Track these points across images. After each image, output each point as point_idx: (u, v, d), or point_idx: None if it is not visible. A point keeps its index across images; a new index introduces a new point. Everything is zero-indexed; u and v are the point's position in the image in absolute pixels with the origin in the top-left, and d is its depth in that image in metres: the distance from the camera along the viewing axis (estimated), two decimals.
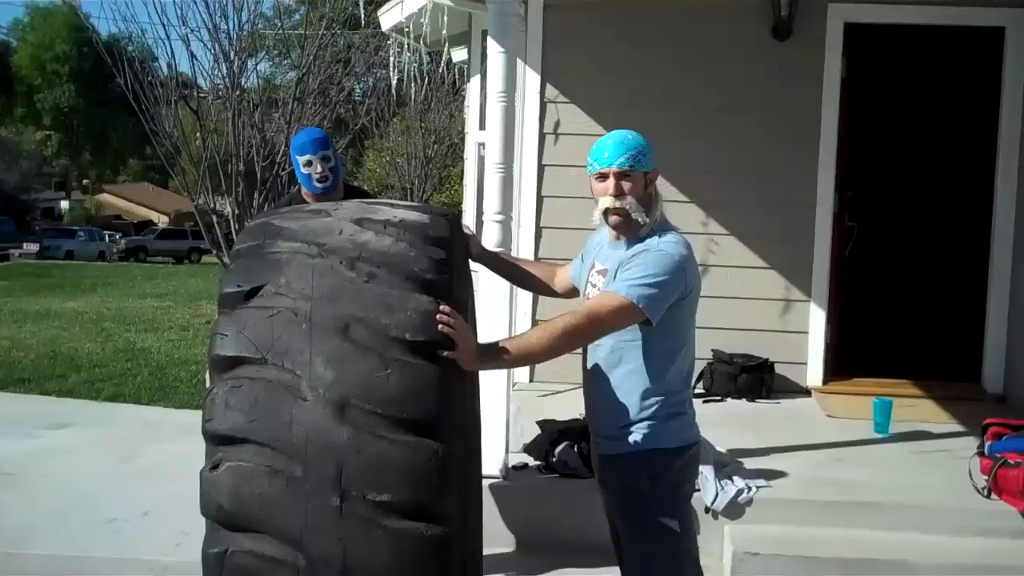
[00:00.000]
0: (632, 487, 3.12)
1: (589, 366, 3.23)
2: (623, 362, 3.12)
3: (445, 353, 2.79)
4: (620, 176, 3.11)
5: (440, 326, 2.78)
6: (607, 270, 3.16)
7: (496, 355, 2.94)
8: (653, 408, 3.10)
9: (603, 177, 3.14)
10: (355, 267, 2.84)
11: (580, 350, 3.25)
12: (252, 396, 2.74)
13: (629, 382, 3.11)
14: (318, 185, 4.56)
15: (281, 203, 4.98)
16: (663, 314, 3.00)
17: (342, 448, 2.66)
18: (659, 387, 3.11)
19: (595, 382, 3.21)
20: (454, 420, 2.84)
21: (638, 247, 3.08)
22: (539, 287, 3.69)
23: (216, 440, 2.80)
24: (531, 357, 3.04)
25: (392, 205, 3.10)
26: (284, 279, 2.86)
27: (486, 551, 3.72)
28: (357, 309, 2.77)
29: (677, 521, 3.11)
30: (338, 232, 2.93)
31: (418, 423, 2.71)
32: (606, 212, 3.13)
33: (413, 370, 2.73)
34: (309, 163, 4.55)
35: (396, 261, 2.86)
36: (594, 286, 3.21)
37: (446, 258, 2.94)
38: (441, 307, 2.81)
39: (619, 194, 3.10)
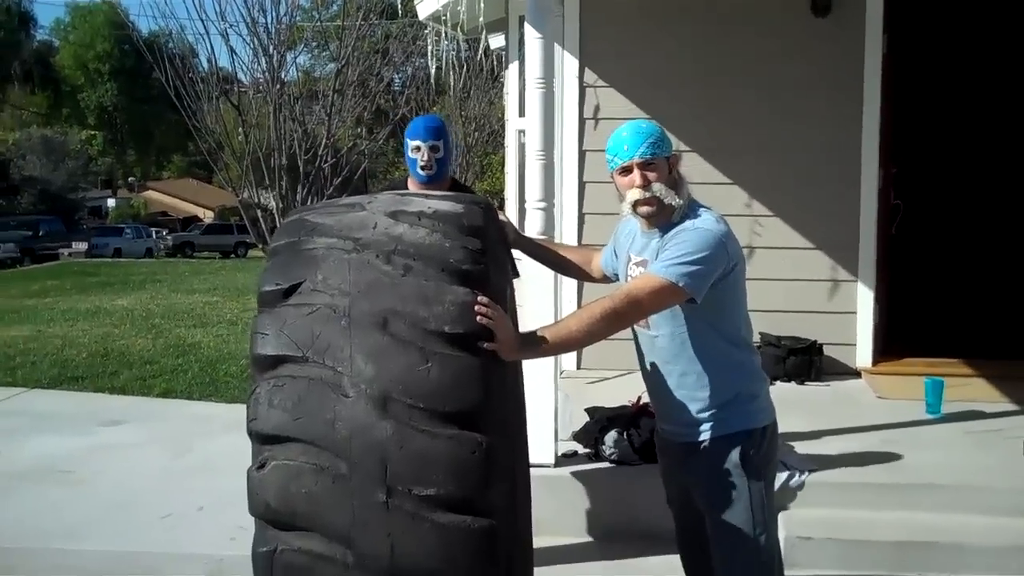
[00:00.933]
0: (723, 472, 3.09)
1: (651, 357, 3.21)
2: (687, 348, 3.10)
3: (484, 344, 2.77)
4: (644, 166, 3.08)
5: (478, 317, 2.77)
6: (646, 260, 3.13)
7: (536, 344, 2.93)
8: (731, 390, 3.10)
9: (626, 171, 3.11)
10: (391, 260, 2.82)
11: (633, 344, 3.24)
12: (294, 394, 2.74)
13: (699, 367, 3.10)
14: (422, 172, 4.52)
15: (385, 187, 4.96)
16: (716, 294, 2.98)
17: (386, 443, 2.65)
18: (730, 367, 3.10)
19: (661, 372, 3.18)
20: (497, 411, 2.82)
21: (674, 230, 3.06)
22: (577, 273, 3.67)
23: (261, 439, 2.80)
24: (571, 344, 3.01)
25: (426, 195, 3.09)
26: (321, 275, 2.85)
27: (536, 541, 3.70)
28: (395, 303, 2.75)
29: (766, 503, 3.11)
30: (373, 226, 2.91)
31: (460, 416, 2.70)
32: (635, 204, 3.10)
33: (453, 362, 2.72)
34: (417, 148, 4.50)
35: (432, 253, 2.84)
36: (634, 279, 3.18)
37: (482, 247, 2.92)
38: (479, 298, 2.79)
39: (646, 184, 3.07)
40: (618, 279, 3.39)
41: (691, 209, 3.11)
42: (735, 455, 3.08)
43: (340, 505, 2.67)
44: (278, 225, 10.29)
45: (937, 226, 8.85)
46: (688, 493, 3.26)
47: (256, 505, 2.80)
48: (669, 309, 3.04)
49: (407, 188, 4.58)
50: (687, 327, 3.07)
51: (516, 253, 3.65)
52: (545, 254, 3.71)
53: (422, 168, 4.51)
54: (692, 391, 3.12)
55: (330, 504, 2.68)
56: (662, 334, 3.12)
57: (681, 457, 3.22)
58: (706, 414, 3.10)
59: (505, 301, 3.06)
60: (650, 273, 2.98)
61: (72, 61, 63.95)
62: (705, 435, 3.11)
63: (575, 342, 3.00)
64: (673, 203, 3.07)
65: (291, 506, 2.72)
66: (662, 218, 3.10)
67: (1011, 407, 6.05)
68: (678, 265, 2.92)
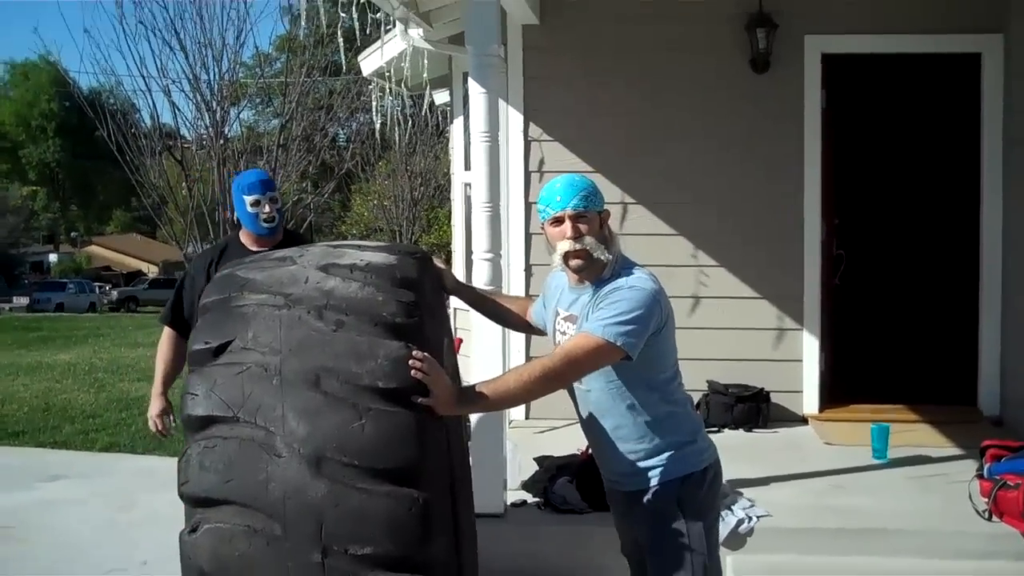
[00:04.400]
0: (662, 519, 3.10)
1: (585, 410, 3.21)
2: (621, 400, 3.10)
3: (420, 400, 2.73)
4: (575, 218, 3.08)
5: (413, 372, 2.73)
6: (574, 315, 3.14)
7: (473, 399, 2.91)
8: (665, 438, 3.10)
9: (558, 221, 3.11)
10: (323, 316, 2.78)
11: (569, 397, 3.23)
12: (226, 456, 2.68)
13: (633, 418, 3.10)
14: (265, 226, 4.52)
15: (216, 248, 4.93)
16: (646, 349, 2.99)
17: (320, 503, 2.60)
18: (662, 417, 3.11)
19: (597, 425, 3.18)
20: (435, 466, 2.79)
21: (607, 288, 3.05)
22: (515, 322, 3.66)
23: (193, 502, 2.75)
24: (508, 400, 3.01)
25: (359, 247, 3.04)
26: (252, 333, 2.80)
27: None
28: (327, 360, 2.71)
29: (706, 545, 3.11)
30: (304, 280, 2.87)
31: (396, 472, 2.66)
32: (566, 256, 3.10)
33: (388, 419, 2.68)
34: (257, 203, 4.50)
35: (364, 307, 2.80)
36: (563, 333, 3.19)
37: (415, 300, 2.88)
38: (413, 352, 2.76)
39: (577, 236, 3.07)
40: (547, 332, 3.40)
41: (623, 266, 3.12)
42: (672, 500, 3.09)
43: (275, 567, 2.62)
44: None
45: (879, 275, 8.97)
46: (638, 541, 3.25)
47: (189, 570, 2.74)
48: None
49: (239, 244, 4.61)
50: (618, 381, 3.08)
51: (462, 304, 3.63)
52: (484, 304, 3.70)
53: (265, 222, 4.51)
54: (626, 443, 3.13)
55: (265, 566, 2.62)
56: (594, 388, 3.13)
57: (625, 505, 3.23)
58: (642, 464, 3.11)
59: (442, 354, 3.03)
60: (586, 332, 2.97)
61: (13, 118, 63.38)
62: (642, 483, 3.13)
63: (513, 399, 2.99)
64: (603, 257, 3.07)
65: (225, 570, 2.66)
66: (592, 273, 3.11)
67: (955, 451, 6.08)
68: (614, 324, 2.92)
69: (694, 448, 3.16)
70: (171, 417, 4.74)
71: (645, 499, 3.13)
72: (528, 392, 2.91)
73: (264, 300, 2.85)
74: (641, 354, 2.98)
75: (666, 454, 3.10)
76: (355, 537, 2.60)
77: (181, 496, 2.78)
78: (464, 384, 3.14)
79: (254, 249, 4.49)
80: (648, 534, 3.15)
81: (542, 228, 3.19)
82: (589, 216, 3.09)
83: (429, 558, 2.69)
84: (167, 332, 4.77)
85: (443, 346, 3.12)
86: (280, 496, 2.62)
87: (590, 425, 3.21)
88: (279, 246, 4.21)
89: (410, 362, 2.74)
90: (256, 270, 2.98)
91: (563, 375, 2.95)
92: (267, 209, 4.49)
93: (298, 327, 2.77)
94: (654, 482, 3.10)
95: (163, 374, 4.76)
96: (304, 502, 2.61)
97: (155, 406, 4.76)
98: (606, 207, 3.19)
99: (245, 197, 4.52)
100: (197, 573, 2.71)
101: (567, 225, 3.08)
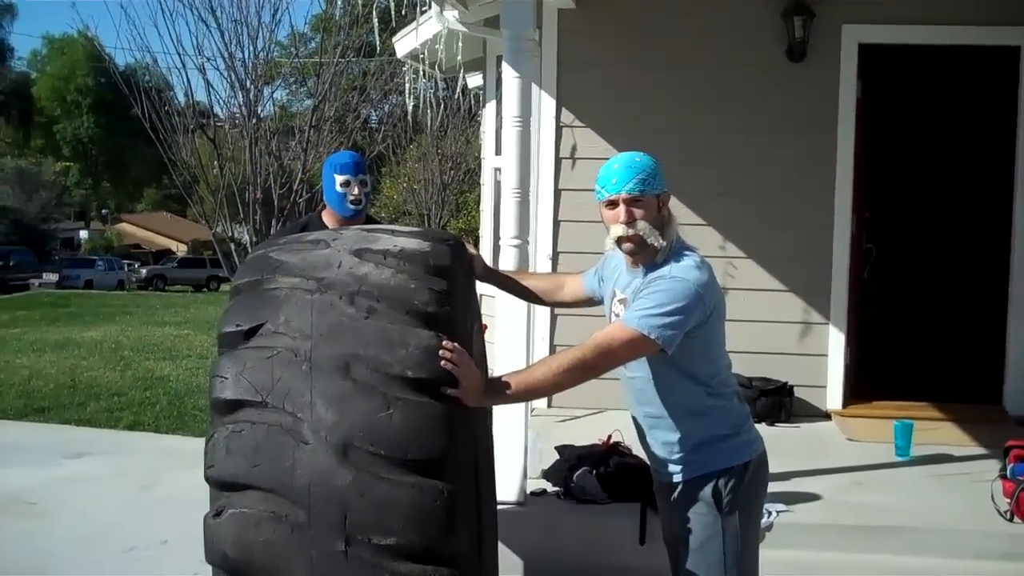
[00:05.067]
0: (697, 510, 3.08)
1: (630, 396, 3.19)
2: (662, 390, 3.07)
3: (448, 391, 2.72)
4: (630, 202, 3.02)
5: (443, 362, 2.71)
6: (627, 299, 3.09)
7: (501, 391, 2.88)
8: (706, 432, 3.07)
9: (612, 204, 3.05)
10: (355, 302, 2.76)
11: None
12: (253, 441, 2.68)
13: (672, 410, 3.07)
14: (351, 207, 4.52)
15: (297, 225, 4.95)
16: (689, 342, 2.94)
17: (346, 492, 2.60)
18: (704, 410, 3.07)
19: (641, 412, 3.17)
20: (461, 458, 2.77)
21: (652, 276, 2.99)
22: (547, 299, 3.62)
23: (219, 486, 2.75)
24: (537, 392, 2.97)
25: (392, 232, 3.02)
26: (283, 316, 2.79)
27: None
28: (357, 347, 2.70)
29: (743, 542, 3.09)
30: (337, 265, 2.85)
31: (423, 463, 2.64)
32: (619, 240, 3.05)
33: (416, 409, 2.66)
34: (347, 183, 4.49)
35: (396, 294, 2.78)
36: (617, 315, 3.13)
37: (448, 288, 2.86)
38: (444, 342, 2.74)
39: (631, 221, 3.01)
40: (603, 303, 3.36)
41: (676, 251, 3.04)
42: (708, 493, 3.05)
43: (298, 555, 2.61)
44: None
45: (908, 270, 8.91)
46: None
47: (213, 554, 2.74)
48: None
49: (321, 224, 4.61)
50: (660, 371, 3.04)
51: (489, 289, 3.61)
52: (514, 285, 3.65)
53: (352, 203, 4.51)
54: (666, 433, 3.10)
55: (288, 553, 2.62)
56: (639, 376, 3.10)
57: (666, 494, 3.21)
58: (681, 455, 3.09)
59: (471, 343, 3.01)
60: (622, 323, 2.92)
61: (49, 93, 63.81)
62: (681, 474, 3.10)
63: (542, 390, 2.96)
64: (656, 244, 3.02)
65: (248, 555, 2.66)
66: (645, 257, 3.05)
67: (979, 450, 6.05)
68: (651, 316, 2.85)
69: (735, 442, 3.10)
70: None
71: (681, 490, 3.11)
72: (557, 384, 2.88)
73: (297, 284, 2.84)
74: (683, 346, 2.92)
75: (705, 447, 3.07)
76: (379, 527, 2.60)
77: (207, 479, 2.78)
78: (491, 373, 3.13)
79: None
80: (682, 525, 3.12)
81: (598, 209, 3.12)
82: (645, 200, 3.03)
83: (452, 550, 2.68)
84: None
85: (472, 336, 3.11)
86: (306, 483, 2.62)
87: (635, 412, 3.20)
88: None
89: (440, 352, 2.72)
90: (290, 252, 2.96)
91: (595, 366, 2.87)
92: (355, 191, 4.50)
93: (330, 313, 2.76)
94: (691, 474, 3.08)
95: None
96: (329, 490, 2.61)
97: None
98: (666, 189, 3.12)
99: (336, 176, 4.52)
100: (220, 557, 2.72)
101: (620, 209, 3.02)
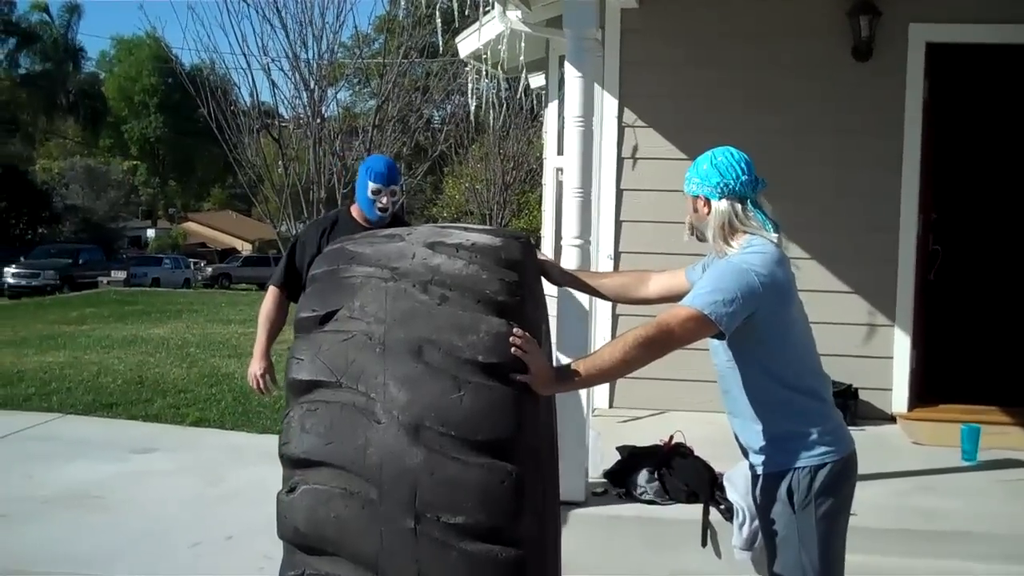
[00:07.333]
0: (773, 507, 3.10)
1: (719, 383, 3.24)
2: (735, 383, 3.12)
3: (518, 376, 2.77)
4: (692, 200, 3.20)
5: (513, 348, 2.77)
6: None
7: (570, 377, 2.92)
8: (779, 427, 3.08)
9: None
10: (428, 290, 2.84)
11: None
12: (327, 419, 2.76)
13: (748, 400, 3.10)
14: (379, 213, 4.67)
15: (327, 219, 5.05)
16: (757, 332, 2.98)
17: (416, 470, 2.66)
18: (777, 405, 3.08)
19: (724, 400, 3.23)
20: (528, 443, 2.82)
21: (716, 261, 3.12)
22: (630, 294, 3.62)
23: (292, 463, 2.82)
24: (606, 374, 2.96)
25: (465, 229, 3.11)
26: (358, 303, 2.87)
27: None
28: (430, 331, 2.77)
29: (823, 545, 3.05)
30: (411, 256, 2.94)
31: (492, 445, 2.70)
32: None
33: (486, 392, 2.72)
34: (378, 191, 4.64)
35: (468, 283, 2.85)
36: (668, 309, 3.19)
37: (518, 280, 2.93)
38: (514, 329, 2.79)
39: (691, 214, 3.21)
40: None
41: (749, 243, 3.10)
42: (783, 491, 3.06)
43: (369, 531, 2.68)
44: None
45: (975, 273, 8.78)
46: None
47: (285, 529, 2.81)
48: (721, 342, 3.04)
49: (350, 218, 4.78)
50: (735, 360, 3.08)
51: (551, 289, 3.64)
52: (595, 283, 3.66)
53: (380, 210, 4.66)
54: (744, 422, 3.15)
55: (359, 529, 2.69)
56: (719, 363, 3.16)
57: (753, 484, 3.25)
58: (758, 445, 3.12)
59: (540, 335, 3.06)
60: (682, 303, 2.98)
61: (117, 93, 65.01)
62: (761, 467, 3.14)
63: (610, 372, 2.95)
64: (710, 239, 3.15)
65: (320, 530, 2.73)
66: (715, 248, 3.15)
67: None
68: (706, 295, 2.92)
69: (809, 442, 3.06)
70: (271, 377, 4.83)
71: (762, 482, 3.15)
72: (625, 362, 2.87)
73: (372, 272, 2.92)
74: (753, 336, 2.97)
75: (780, 442, 3.08)
76: (448, 506, 2.65)
77: (281, 456, 2.85)
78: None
79: (364, 225, 4.64)
80: (764, 517, 3.17)
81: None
82: (689, 200, 3.21)
83: (519, 531, 2.72)
84: (273, 292, 4.86)
85: (541, 329, 3.15)
86: (377, 461, 2.68)
87: (722, 398, 3.25)
88: (385, 227, 4.29)
89: (510, 339, 2.77)
90: (365, 245, 3.05)
91: (657, 342, 2.88)
92: (384, 200, 4.64)
93: (403, 299, 2.83)
94: (769, 468, 3.10)
95: (267, 333, 4.85)
96: (400, 468, 2.67)
97: (258, 365, 4.84)
98: (701, 194, 3.17)
99: (369, 183, 4.65)
100: (292, 532, 2.79)
101: (688, 203, 3.23)
